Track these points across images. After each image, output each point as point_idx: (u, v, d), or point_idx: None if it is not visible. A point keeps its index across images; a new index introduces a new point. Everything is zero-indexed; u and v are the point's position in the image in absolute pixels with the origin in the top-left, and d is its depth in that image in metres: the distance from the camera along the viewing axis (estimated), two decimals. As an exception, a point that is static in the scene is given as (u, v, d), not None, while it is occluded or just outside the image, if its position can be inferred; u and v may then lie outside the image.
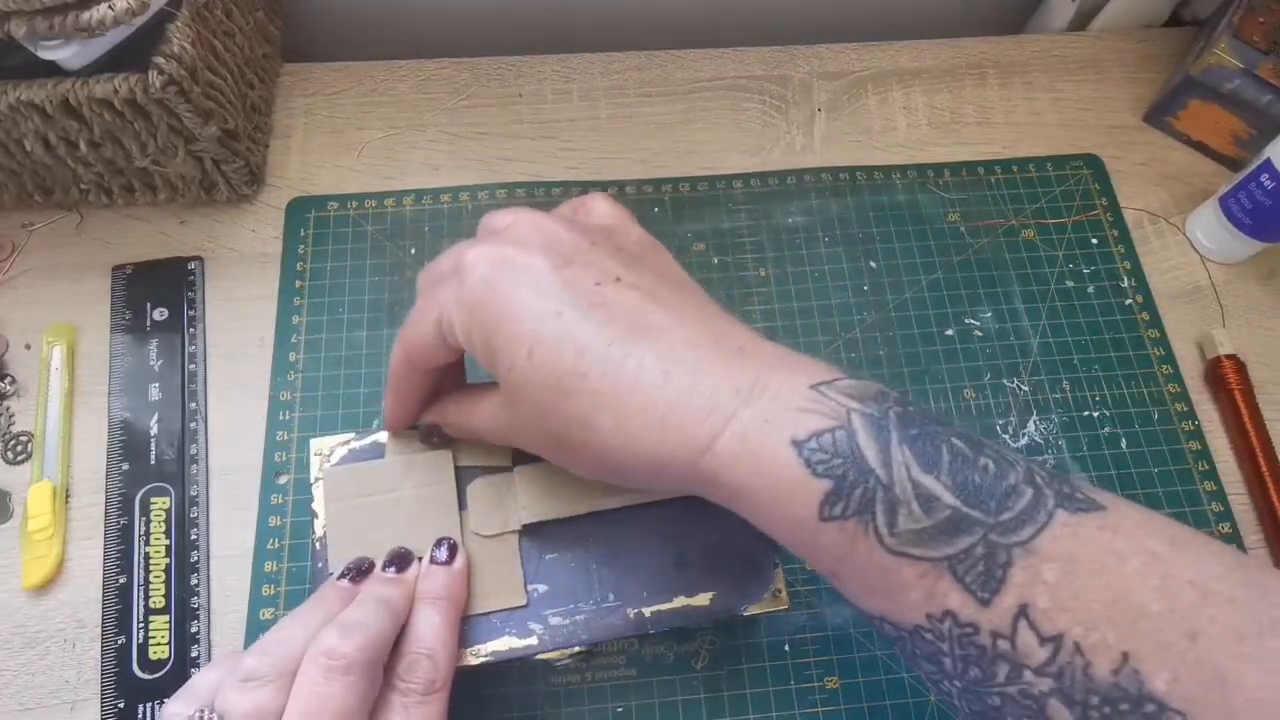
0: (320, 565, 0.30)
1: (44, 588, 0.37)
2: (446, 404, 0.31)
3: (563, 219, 0.28)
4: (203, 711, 0.24)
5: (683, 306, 0.26)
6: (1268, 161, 0.43)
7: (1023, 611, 0.21)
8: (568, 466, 0.27)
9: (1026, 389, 0.43)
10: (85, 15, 0.34)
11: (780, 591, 0.31)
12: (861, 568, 0.23)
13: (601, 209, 0.30)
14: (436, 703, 0.27)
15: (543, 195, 0.47)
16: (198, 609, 0.37)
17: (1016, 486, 0.22)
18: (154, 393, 0.41)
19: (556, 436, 0.26)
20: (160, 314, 0.42)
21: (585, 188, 0.47)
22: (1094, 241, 0.47)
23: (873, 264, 0.46)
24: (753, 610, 0.31)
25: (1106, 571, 0.21)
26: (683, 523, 0.32)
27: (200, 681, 0.26)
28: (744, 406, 0.24)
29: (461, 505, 0.31)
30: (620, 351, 0.24)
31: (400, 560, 0.30)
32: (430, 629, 0.28)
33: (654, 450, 0.24)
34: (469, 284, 0.26)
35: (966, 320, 0.45)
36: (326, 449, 0.32)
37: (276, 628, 0.27)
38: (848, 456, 0.23)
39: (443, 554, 0.30)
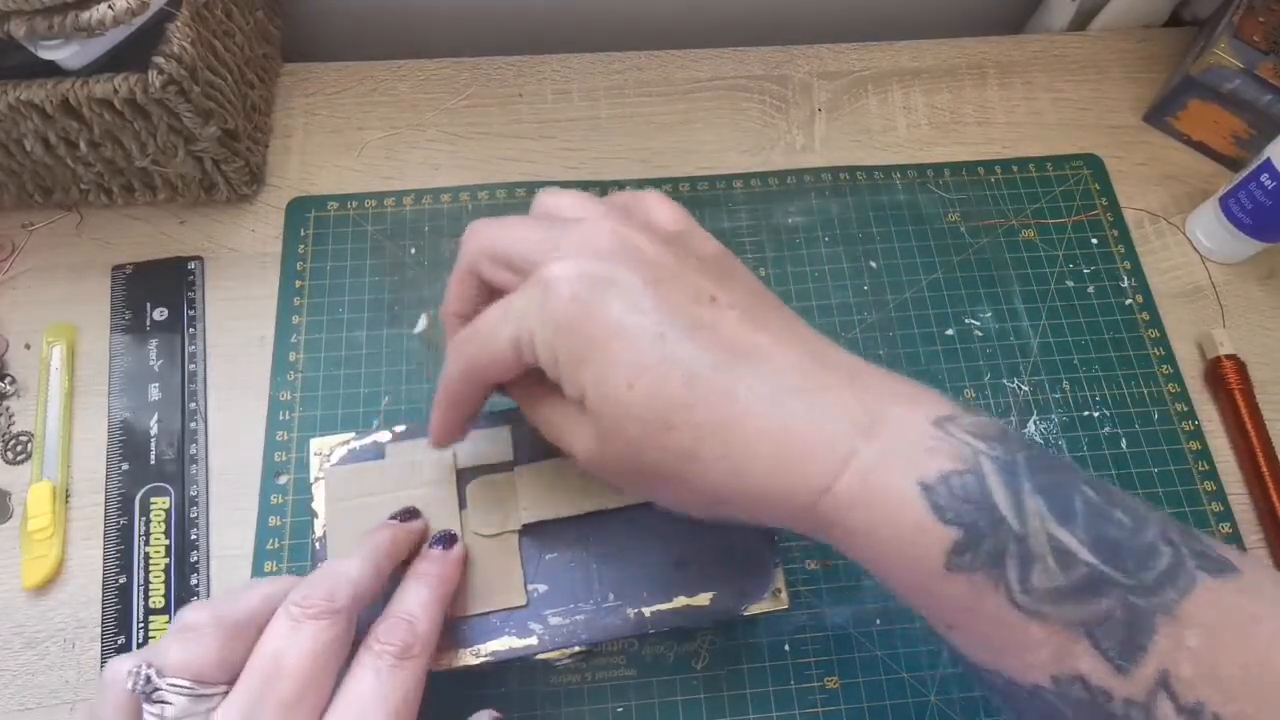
0: (320, 565, 0.30)
1: (44, 588, 0.37)
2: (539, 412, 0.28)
3: (635, 224, 0.25)
4: (140, 665, 0.24)
5: (781, 327, 0.24)
6: (1268, 161, 0.43)
7: (1163, 681, 0.20)
8: (656, 500, 0.26)
9: (1026, 389, 0.43)
10: (85, 15, 0.34)
11: (780, 591, 0.31)
12: (986, 623, 0.22)
13: (664, 214, 0.27)
14: (411, 669, 0.26)
15: (543, 195, 0.47)
16: (198, 609, 0.37)
17: (1154, 545, 0.21)
18: (154, 393, 0.41)
19: (651, 469, 0.24)
20: (160, 314, 0.42)
21: (585, 188, 0.47)
22: (1094, 241, 0.47)
23: (873, 264, 0.46)
24: (753, 610, 0.31)
25: (1246, 638, 0.20)
26: (683, 522, 0.31)
27: (156, 645, 0.25)
28: (865, 443, 0.22)
29: (461, 505, 0.31)
30: (728, 379, 0.22)
31: (405, 515, 0.30)
32: (415, 597, 0.27)
33: (764, 487, 0.23)
34: (555, 303, 0.23)
35: (966, 320, 0.45)
36: (326, 449, 0.32)
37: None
38: (979, 503, 0.21)
39: (439, 543, 0.30)
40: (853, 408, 0.22)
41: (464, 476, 0.32)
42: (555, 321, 0.23)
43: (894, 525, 0.22)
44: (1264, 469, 0.41)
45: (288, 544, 0.38)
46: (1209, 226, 0.47)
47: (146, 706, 0.23)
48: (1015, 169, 0.49)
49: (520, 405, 0.28)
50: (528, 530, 0.31)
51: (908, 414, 0.23)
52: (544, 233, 0.25)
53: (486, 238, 0.26)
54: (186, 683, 0.23)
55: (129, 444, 0.40)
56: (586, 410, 0.24)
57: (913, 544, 0.22)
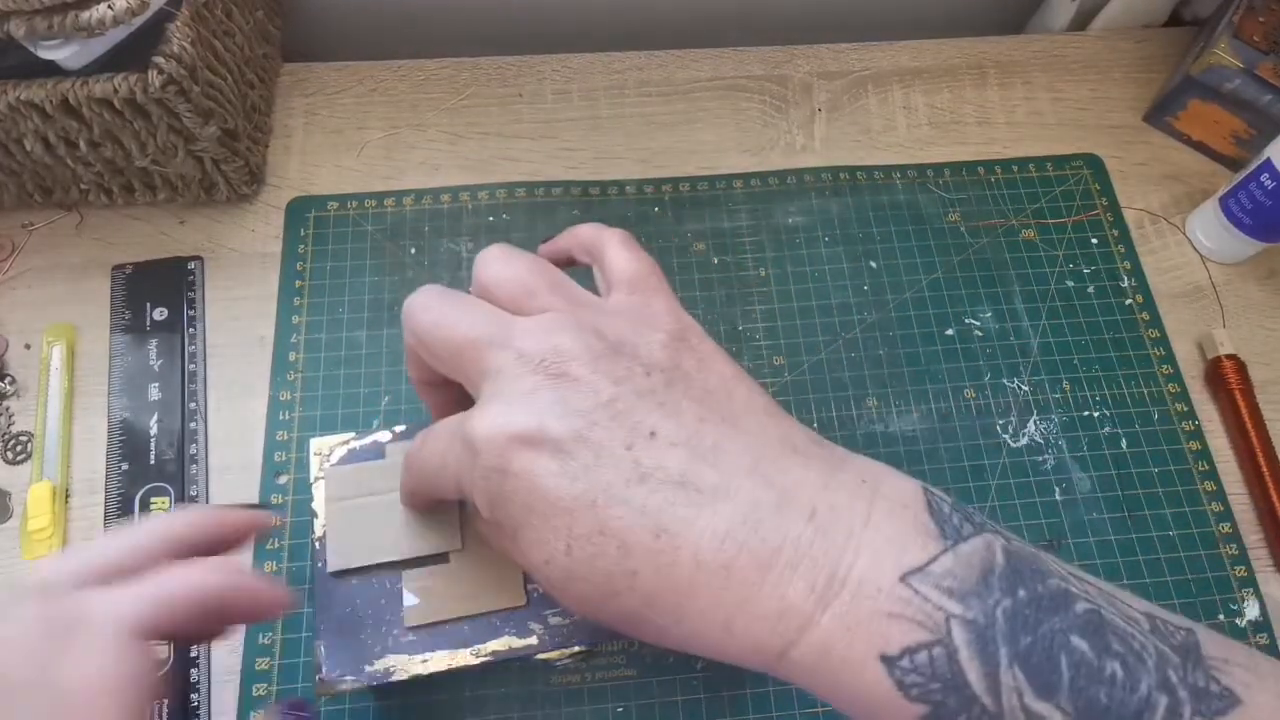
0: (320, 565, 0.30)
1: (44, 588, 0.37)
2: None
3: (577, 317, 0.23)
4: None
5: (734, 450, 0.22)
6: (1268, 161, 0.43)
7: None
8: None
9: (1026, 389, 0.43)
10: (85, 15, 0.34)
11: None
12: None
13: (622, 264, 0.26)
14: (85, 647, 0.21)
15: (542, 195, 0.47)
16: (197, 609, 0.37)
17: (1149, 698, 0.20)
18: (154, 393, 0.41)
19: (609, 621, 0.23)
20: (160, 314, 0.42)
21: (585, 188, 0.47)
22: (1094, 241, 0.47)
23: (873, 264, 0.46)
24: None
25: None
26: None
27: None
28: (821, 609, 0.20)
29: (462, 505, 0.31)
30: (670, 544, 0.21)
31: (248, 506, 0.27)
32: (165, 577, 0.23)
33: (720, 650, 0.22)
34: (483, 474, 0.22)
35: (966, 320, 0.45)
36: (326, 449, 0.32)
37: None
38: (948, 680, 0.19)
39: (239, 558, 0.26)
40: (810, 564, 0.20)
41: (464, 476, 0.32)
42: (486, 491, 0.23)
43: (857, 695, 0.20)
44: (1264, 469, 0.41)
45: (288, 544, 0.38)
46: (1209, 226, 0.47)
47: None
48: (1015, 169, 0.49)
49: (480, 533, 0.27)
50: (528, 530, 0.31)
51: (871, 567, 0.20)
52: (478, 330, 0.24)
53: (419, 327, 0.25)
54: None
55: (129, 444, 0.40)
56: (533, 566, 0.23)
57: (879, 715, 0.20)
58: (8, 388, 0.41)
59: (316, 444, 0.32)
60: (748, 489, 0.21)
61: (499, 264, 0.25)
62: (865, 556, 0.20)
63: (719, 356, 0.24)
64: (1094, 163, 0.50)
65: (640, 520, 0.21)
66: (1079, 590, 0.21)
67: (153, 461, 0.39)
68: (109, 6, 0.34)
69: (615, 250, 0.26)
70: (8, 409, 0.40)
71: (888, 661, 0.20)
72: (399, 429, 0.32)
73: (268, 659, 0.36)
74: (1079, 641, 0.20)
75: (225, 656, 0.36)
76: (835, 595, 0.20)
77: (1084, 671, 0.20)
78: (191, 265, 0.44)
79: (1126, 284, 0.46)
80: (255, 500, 0.39)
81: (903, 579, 0.20)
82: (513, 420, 0.22)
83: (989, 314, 0.45)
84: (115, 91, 0.37)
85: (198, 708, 0.35)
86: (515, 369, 0.23)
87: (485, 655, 0.29)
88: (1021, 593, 0.20)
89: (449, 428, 0.24)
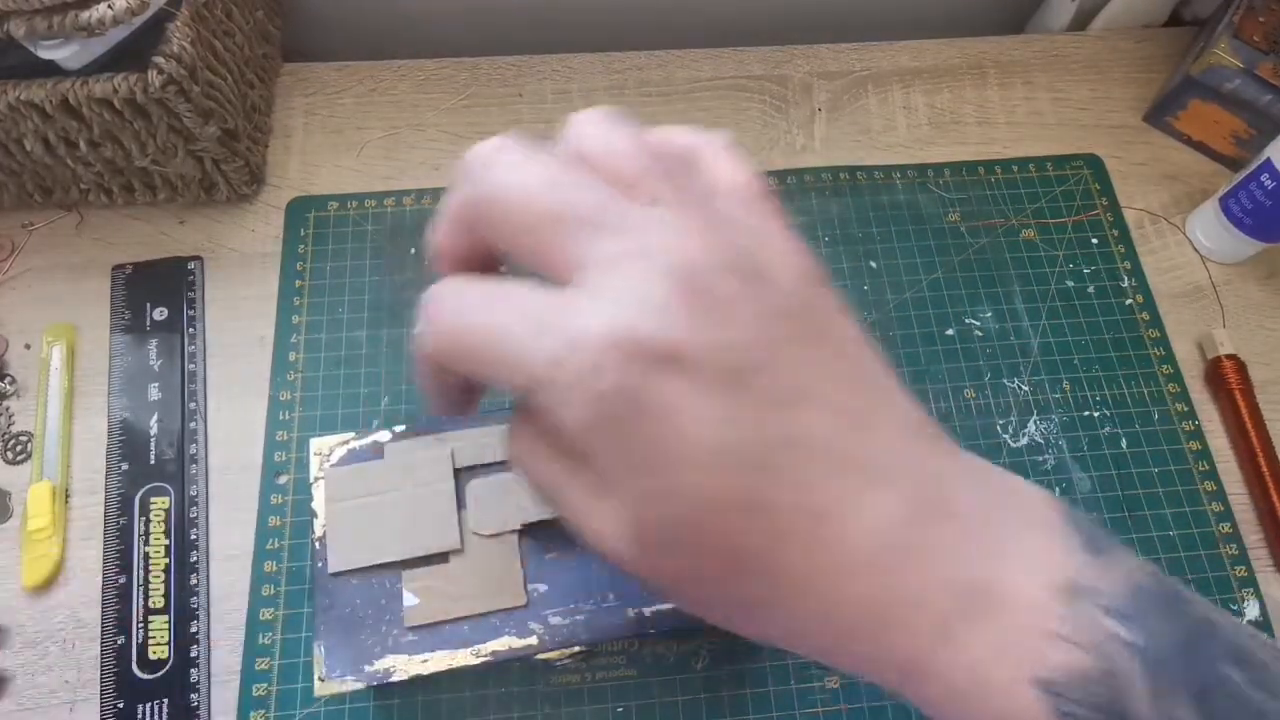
0: (320, 565, 0.30)
1: (44, 588, 0.37)
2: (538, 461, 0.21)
3: (705, 224, 0.19)
4: None
5: (885, 430, 0.19)
6: (1268, 161, 0.43)
7: None
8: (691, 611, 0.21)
9: (1026, 389, 0.43)
10: (85, 15, 0.34)
11: (780, 591, 0.31)
12: None
13: (727, 174, 0.21)
14: None
15: (543, 195, 0.47)
16: (197, 609, 0.37)
17: None
18: (154, 392, 0.41)
19: (701, 601, 0.20)
20: (160, 314, 0.42)
21: (585, 188, 0.47)
22: (1094, 241, 0.47)
23: (873, 264, 0.46)
24: (753, 610, 0.31)
25: None
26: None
27: None
28: (964, 620, 0.18)
29: (461, 505, 0.31)
30: (823, 527, 0.18)
31: None
32: None
33: (835, 652, 0.19)
34: (596, 389, 0.17)
35: (966, 320, 0.45)
36: (326, 449, 0.32)
37: None
38: (1112, 711, 0.17)
39: None
40: (952, 565, 0.18)
41: (464, 476, 0.32)
42: (595, 411, 0.17)
43: None
44: (1264, 469, 0.41)
45: (287, 544, 0.38)
46: (1209, 226, 0.47)
47: None
48: (1015, 169, 0.49)
49: (513, 453, 0.21)
50: (528, 530, 0.31)
51: (1022, 576, 0.18)
52: (580, 201, 0.18)
53: (498, 197, 0.19)
54: None
55: (129, 444, 0.40)
56: (633, 521, 0.18)
57: None
58: (8, 388, 0.41)
59: (316, 444, 0.32)
60: (906, 478, 0.18)
61: (609, 131, 0.20)
62: (1015, 568, 0.18)
63: (844, 310, 0.21)
64: (1094, 163, 0.50)
65: (793, 495, 0.17)
66: (1218, 615, 0.19)
67: (153, 461, 0.39)
68: (109, 6, 0.34)
69: (719, 159, 0.21)
70: (8, 409, 0.40)
71: (1044, 686, 0.17)
72: (399, 429, 0.32)
73: (268, 659, 0.36)
74: (1233, 672, 0.18)
75: (225, 656, 0.36)
76: (982, 605, 0.18)
77: (1239, 704, 0.18)
78: (191, 265, 0.44)
79: (1126, 284, 0.46)
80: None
81: (1057, 595, 0.18)
82: (644, 327, 0.17)
83: (989, 314, 0.45)
84: (115, 91, 0.37)
85: (198, 708, 0.35)
86: (637, 266, 0.17)
87: (485, 655, 0.29)
88: (1176, 616, 0.18)
89: (524, 302, 0.18)
